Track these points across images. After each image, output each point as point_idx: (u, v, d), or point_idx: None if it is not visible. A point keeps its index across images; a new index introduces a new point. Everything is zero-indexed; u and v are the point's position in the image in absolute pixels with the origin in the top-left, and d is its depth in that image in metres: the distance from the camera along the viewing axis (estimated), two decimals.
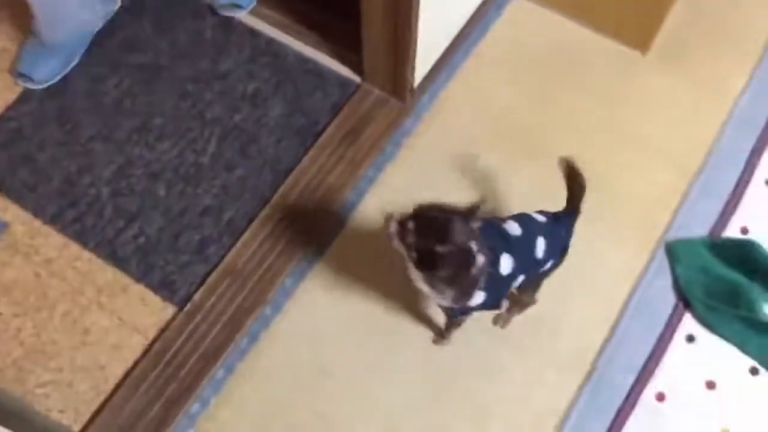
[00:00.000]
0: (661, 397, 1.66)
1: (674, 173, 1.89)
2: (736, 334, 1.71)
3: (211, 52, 2.03)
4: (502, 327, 1.70)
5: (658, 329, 1.73)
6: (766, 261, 1.75)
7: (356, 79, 2.01)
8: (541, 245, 1.43)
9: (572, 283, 1.73)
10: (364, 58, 1.93)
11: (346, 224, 1.84)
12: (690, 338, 1.72)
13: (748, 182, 1.88)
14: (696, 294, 1.74)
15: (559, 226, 1.49)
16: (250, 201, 1.85)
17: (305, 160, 1.91)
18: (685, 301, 1.75)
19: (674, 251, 1.79)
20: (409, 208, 1.35)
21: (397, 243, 1.33)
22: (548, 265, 1.48)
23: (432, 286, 1.34)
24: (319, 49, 2.04)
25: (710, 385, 1.68)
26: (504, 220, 1.46)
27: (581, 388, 1.66)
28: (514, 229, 1.44)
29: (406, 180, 1.89)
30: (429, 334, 1.71)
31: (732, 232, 1.82)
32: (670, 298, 1.76)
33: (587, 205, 1.84)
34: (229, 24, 2.06)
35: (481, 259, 1.31)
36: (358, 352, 1.70)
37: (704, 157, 1.91)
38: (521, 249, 1.41)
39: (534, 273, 1.47)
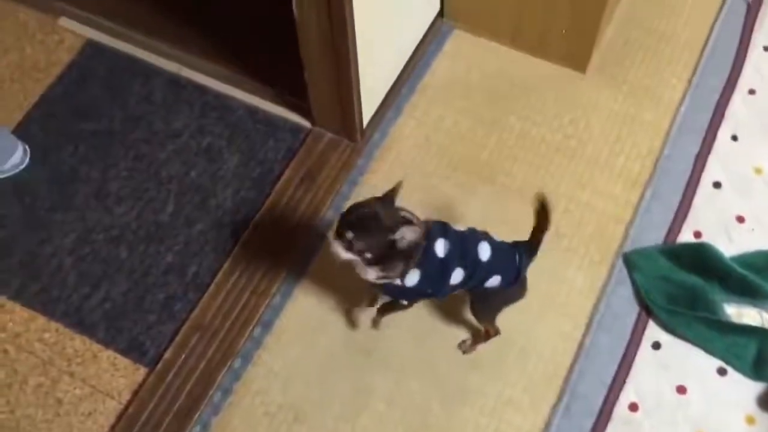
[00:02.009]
0: (633, 407, 1.68)
1: (625, 185, 1.94)
2: (700, 337, 1.74)
3: (162, 111, 2.06)
4: (465, 352, 1.73)
5: (624, 340, 1.76)
6: (720, 262, 1.79)
7: (306, 124, 2.04)
8: (485, 249, 1.47)
9: (536, 302, 1.76)
10: (311, 103, 1.97)
11: (309, 268, 1.86)
12: (656, 345, 1.75)
13: (696, 187, 1.92)
14: (657, 301, 1.77)
15: (511, 249, 1.52)
16: (212, 254, 1.87)
17: (264, 208, 1.93)
18: (647, 309, 1.78)
19: (632, 261, 1.83)
20: None
21: (347, 255, 1.40)
22: (496, 279, 1.50)
23: (385, 271, 1.42)
24: (267, 98, 2.08)
25: (681, 389, 1.71)
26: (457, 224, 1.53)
27: (555, 406, 1.68)
28: (458, 226, 1.51)
29: None
30: (399, 365, 1.73)
31: (686, 237, 1.87)
32: (633, 308, 1.80)
33: None
34: (177, 83, 2.10)
35: (414, 227, 1.40)
36: (330, 393, 1.71)
37: (652, 167, 1.96)
38: (460, 241, 1.47)
39: (478, 279, 1.49)
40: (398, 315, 1.72)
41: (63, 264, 1.86)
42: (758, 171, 1.95)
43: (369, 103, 1.98)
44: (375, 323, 1.74)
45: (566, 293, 1.80)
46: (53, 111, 2.06)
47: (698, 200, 1.91)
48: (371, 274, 1.43)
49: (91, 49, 2.15)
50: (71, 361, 1.75)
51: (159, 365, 1.73)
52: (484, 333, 1.68)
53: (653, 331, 1.76)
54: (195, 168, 1.98)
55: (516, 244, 1.53)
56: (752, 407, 1.68)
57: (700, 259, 1.80)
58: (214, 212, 1.93)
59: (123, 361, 1.75)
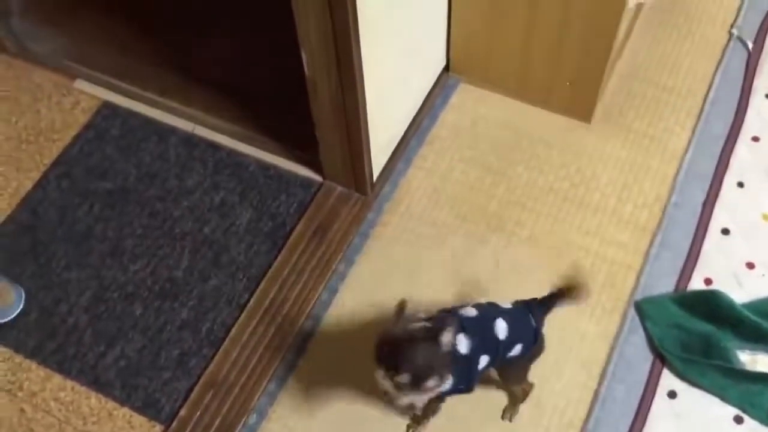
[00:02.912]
0: None
1: (634, 233, 1.95)
2: (715, 385, 1.74)
3: (176, 169, 2.10)
4: (511, 420, 1.71)
5: (640, 389, 1.75)
6: (732, 309, 1.79)
7: (318, 178, 2.08)
8: (501, 326, 1.47)
9: (550, 353, 1.75)
10: (322, 159, 2.00)
11: (322, 321, 1.87)
12: (672, 394, 1.75)
13: (704, 234, 1.94)
14: (670, 349, 1.77)
15: (525, 314, 1.52)
16: (226, 309, 1.89)
17: (277, 262, 1.95)
18: (661, 358, 1.78)
19: (643, 310, 1.83)
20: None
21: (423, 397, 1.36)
22: (518, 348, 1.50)
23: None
24: (279, 153, 2.11)
25: None
26: (464, 306, 1.51)
27: None
28: (469, 311, 1.50)
29: (376, 270, 1.94)
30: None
31: (696, 284, 1.87)
32: (647, 357, 1.80)
33: (555, 273, 1.90)
34: (191, 141, 2.14)
35: (447, 337, 1.36)
36: None
37: (660, 214, 1.98)
38: (477, 329, 1.46)
39: (501, 355, 1.50)
40: None
41: (79, 322, 1.87)
42: (766, 217, 1.97)
43: (378, 157, 2.01)
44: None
45: (579, 343, 1.80)
46: (69, 171, 2.10)
47: (707, 247, 1.92)
48: (421, 400, 1.39)
49: (106, 109, 2.20)
50: (87, 420, 1.75)
51: (174, 423, 1.73)
52: (522, 393, 1.68)
53: (668, 380, 1.76)
54: (208, 224, 2.01)
55: (528, 305, 1.54)
56: None
57: (711, 306, 1.81)
58: (227, 267, 1.95)
59: (138, 419, 1.75)
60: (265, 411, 1.75)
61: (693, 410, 1.72)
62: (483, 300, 1.59)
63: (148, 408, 1.76)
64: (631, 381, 1.76)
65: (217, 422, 1.74)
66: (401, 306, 1.39)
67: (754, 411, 1.71)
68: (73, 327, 1.87)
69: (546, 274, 1.89)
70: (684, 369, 1.75)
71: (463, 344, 1.43)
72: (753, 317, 1.77)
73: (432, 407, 1.61)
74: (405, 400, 1.34)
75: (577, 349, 1.80)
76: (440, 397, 1.52)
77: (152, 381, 1.80)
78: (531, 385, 1.68)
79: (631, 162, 2.07)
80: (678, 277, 1.89)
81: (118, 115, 2.19)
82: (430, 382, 1.33)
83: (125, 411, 1.76)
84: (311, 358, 1.82)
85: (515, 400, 1.70)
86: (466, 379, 1.47)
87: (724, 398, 1.73)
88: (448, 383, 1.41)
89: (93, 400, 1.78)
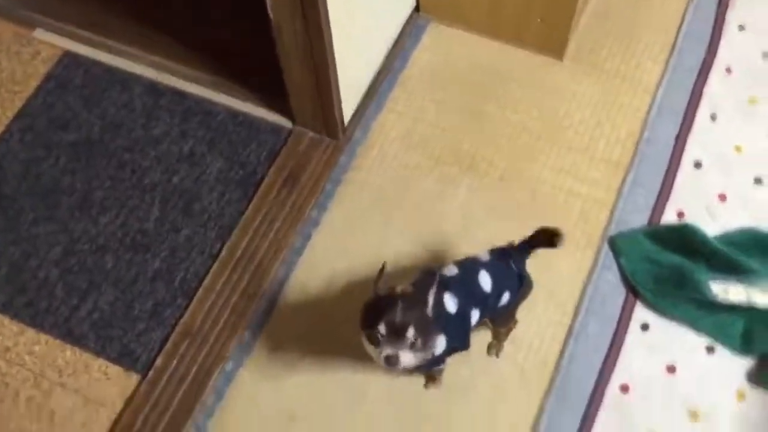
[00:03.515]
0: (625, 388, 1.70)
1: (607, 169, 1.95)
2: (688, 316, 1.76)
3: (143, 119, 2.05)
4: (498, 356, 1.72)
5: (613, 323, 1.77)
6: (704, 242, 1.80)
7: (288, 124, 2.04)
8: (485, 279, 1.47)
9: None
10: (291, 103, 1.97)
11: (296, 268, 1.86)
12: (644, 327, 1.76)
13: (677, 168, 1.93)
14: (643, 283, 1.78)
15: (505, 259, 1.52)
16: (199, 259, 1.87)
17: (249, 210, 1.93)
18: (634, 292, 1.79)
19: (616, 245, 1.84)
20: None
21: (412, 356, 1.33)
22: (506, 297, 1.50)
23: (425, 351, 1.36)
24: (248, 100, 2.07)
25: (670, 369, 1.72)
26: (445, 265, 1.51)
27: (547, 393, 1.69)
28: (450, 270, 1.49)
29: (349, 216, 1.92)
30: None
31: (669, 217, 1.88)
32: (621, 291, 1.81)
33: (528, 211, 1.90)
34: (157, 89, 2.09)
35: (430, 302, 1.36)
36: (323, 397, 1.71)
37: (633, 150, 1.97)
38: (462, 285, 1.45)
39: (491, 306, 1.50)
40: None
41: (50, 276, 1.85)
42: (738, 149, 1.96)
43: (349, 100, 1.98)
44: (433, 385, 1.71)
45: (554, 281, 1.81)
46: (32, 123, 2.05)
47: (680, 180, 1.92)
48: (411, 361, 1.34)
49: (67, 59, 2.14)
50: (62, 372, 1.75)
51: (151, 372, 1.73)
52: (506, 330, 1.69)
53: (641, 313, 1.77)
54: (178, 173, 1.98)
55: (505, 252, 1.53)
56: (742, 383, 1.70)
57: (684, 239, 1.81)
58: (198, 217, 1.92)
59: (114, 370, 1.75)
60: (241, 359, 1.75)
61: (666, 341, 1.74)
62: (461, 253, 1.59)
63: (123, 358, 1.75)
64: (605, 315, 1.77)
65: (193, 370, 1.73)
66: (382, 269, 1.38)
67: (726, 340, 1.73)
68: (44, 281, 1.85)
69: (520, 213, 1.90)
70: (657, 302, 1.76)
71: (450, 303, 1.42)
72: (725, 249, 1.78)
73: (434, 373, 1.62)
74: (384, 352, 1.30)
75: (552, 287, 1.80)
76: (438, 361, 1.51)
77: (127, 332, 1.79)
78: (516, 322, 1.69)
79: (604, 99, 2.05)
80: (651, 211, 1.89)
81: (80, 65, 2.13)
82: (410, 332, 1.30)
83: (101, 362, 1.75)
84: (285, 304, 1.81)
85: (501, 337, 1.71)
86: (461, 337, 1.47)
87: (697, 329, 1.75)
88: (441, 345, 1.41)
89: (68, 353, 1.77)
